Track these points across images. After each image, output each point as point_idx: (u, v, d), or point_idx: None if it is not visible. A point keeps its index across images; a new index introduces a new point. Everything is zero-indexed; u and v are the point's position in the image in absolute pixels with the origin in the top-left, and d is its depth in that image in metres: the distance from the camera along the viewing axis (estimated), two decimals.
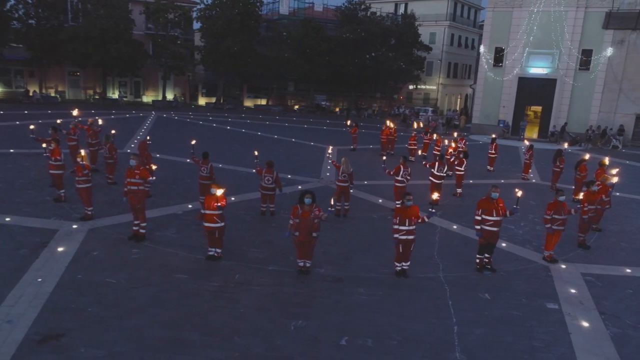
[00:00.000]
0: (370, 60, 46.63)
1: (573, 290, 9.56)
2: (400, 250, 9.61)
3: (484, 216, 10.09)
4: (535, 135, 36.30)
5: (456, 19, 59.02)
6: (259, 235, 11.73)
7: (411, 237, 9.54)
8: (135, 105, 43.56)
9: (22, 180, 15.21)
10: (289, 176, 18.45)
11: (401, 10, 57.95)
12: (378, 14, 49.70)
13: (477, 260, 10.44)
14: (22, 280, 8.47)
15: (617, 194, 17.27)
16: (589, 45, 33.77)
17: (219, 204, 9.48)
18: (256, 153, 14.04)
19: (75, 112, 17.98)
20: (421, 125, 27.85)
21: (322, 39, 45.09)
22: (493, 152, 22.16)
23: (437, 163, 15.57)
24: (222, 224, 9.80)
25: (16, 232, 10.73)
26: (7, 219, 11.47)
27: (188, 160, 13.98)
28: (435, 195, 13.66)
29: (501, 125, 36.36)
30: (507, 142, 32.97)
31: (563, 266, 10.89)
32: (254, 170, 13.71)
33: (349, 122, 28.15)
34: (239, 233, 11.69)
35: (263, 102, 50.12)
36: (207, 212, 9.66)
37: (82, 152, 11.76)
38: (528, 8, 34.41)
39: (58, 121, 16.83)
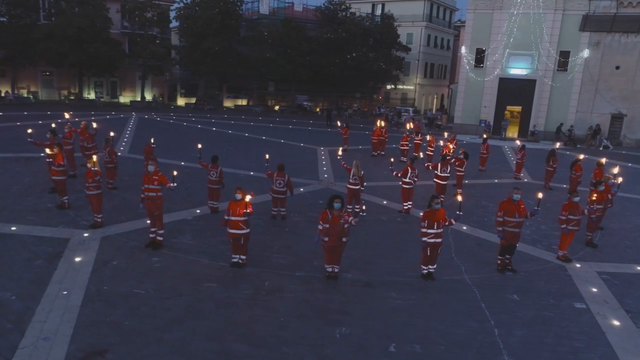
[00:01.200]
0: (351, 60, 46.79)
1: (594, 289, 9.78)
2: (428, 253, 9.64)
3: (505, 218, 10.22)
4: (515, 135, 37.08)
5: (432, 20, 59.81)
6: (276, 240, 11.58)
7: (439, 240, 9.58)
8: (113, 105, 42.44)
9: (17, 186, 14.59)
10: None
11: (378, 10, 58.33)
12: (357, 14, 49.91)
13: (499, 262, 10.57)
14: (46, 294, 8.10)
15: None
16: (566, 47, 34.71)
17: (248, 211, 9.30)
18: (267, 157, 13.86)
19: (67, 115, 17.36)
20: (411, 126, 27.99)
21: (303, 39, 44.99)
22: (485, 152, 22.54)
23: (440, 164, 15.71)
24: (248, 230, 9.63)
25: (27, 242, 10.27)
26: (13, 228, 10.98)
27: (197, 165, 13.74)
28: (459, 198, 13.03)
29: (483, 125, 36.98)
30: (489, 141, 33.49)
31: (578, 265, 11.14)
32: (265, 174, 13.49)
33: (339, 123, 28.12)
34: (256, 238, 11.45)
35: (243, 102, 49.64)
36: (233, 218, 9.47)
37: (94, 157, 11.33)
38: (508, 10, 35.11)
39: (53, 125, 16.22)
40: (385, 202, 15.84)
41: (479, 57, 37.06)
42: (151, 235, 10.56)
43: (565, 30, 34.51)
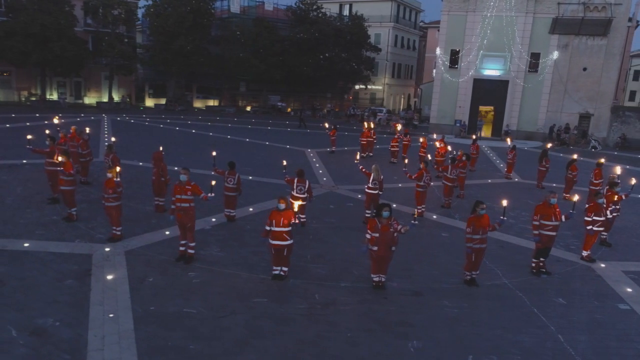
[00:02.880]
0: (324, 60, 46.69)
1: (629, 289, 10.03)
2: (473, 259, 9.59)
3: (542, 221, 10.32)
4: (489, 134, 38.03)
5: (399, 21, 60.56)
6: (306, 249, 11.24)
7: (484, 245, 9.55)
8: (78, 107, 40.54)
9: (11, 197, 13.57)
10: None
11: (345, 11, 58.49)
12: (328, 14, 49.85)
13: (533, 264, 10.67)
14: (91, 318, 7.49)
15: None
16: (537, 48, 35.88)
17: (295, 221, 8.95)
18: (284, 163, 13.47)
19: (56, 120, 16.31)
20: (399, 127, 28.10)
21: (276, 39, 44.49)
22: (474, 152, 22.88)
23: (450, 166, 15.80)
24: (292, 241, 9.27)
25: (46, 260, 9.51)
26: (26, 245, 10.15)
27: (212, 172, 13.19)
28: (504, 203, 11.24)
29: (458, 124, 37.74)
30: (465, 140, 34.22)
31: (602, 265, 11.40)
32: (284, 181, 13.09)
33: (327, 125, 27.90)
34: None
35: (214, 103, 48.52)
36: (277, 229, 9.08)
37: (118, 168, 10.62)
38: (481, 12, 35.92)
39: (47, 131, 15.17)
40: (394, 206, 15.69)
41: (454, 58, 37.75)
42: (181, 249, 10.01)
43: (536, 32, 35.66)
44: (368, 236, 9.08)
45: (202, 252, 10.49)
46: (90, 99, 43.14)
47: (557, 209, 10.44)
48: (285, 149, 26.25)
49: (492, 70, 36.91)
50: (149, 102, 46.72)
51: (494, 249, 12.20)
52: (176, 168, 18.44)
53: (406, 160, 15.80)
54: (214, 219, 12.92)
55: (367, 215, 13.50)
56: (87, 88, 43.41)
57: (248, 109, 48.02)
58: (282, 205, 9.14)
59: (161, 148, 13.55)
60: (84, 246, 10.35)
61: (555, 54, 35.42)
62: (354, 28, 48.33)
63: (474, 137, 24.38)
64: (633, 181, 13.35)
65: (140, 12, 41.91)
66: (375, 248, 9.01)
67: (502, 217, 9.64)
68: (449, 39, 37.69)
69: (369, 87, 57.91)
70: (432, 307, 8.68)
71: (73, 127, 16.53)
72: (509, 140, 23.26)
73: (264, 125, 37.12)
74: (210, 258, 10.26)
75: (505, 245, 12.47)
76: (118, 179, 10.34)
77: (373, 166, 13.46)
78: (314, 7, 47.43)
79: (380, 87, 60.02)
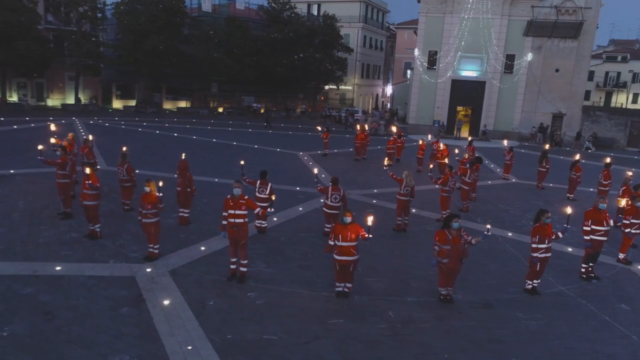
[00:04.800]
0: (298, 61, 46.14)
1: None
2: (537, 269, 9.45)
3: (593, 227, 10.34)
4: (467, 134, 38.62)
5: (368, 21, 60.77)
6: None
7: (549, 254, 9.43)
8: (42, 109, 38.16)
9: (17, 213, 12.38)
10: (298, 188, 17.53)
11: (314, 10, 58.10)
12: (301, 14, 49.33)
13: (583, 270, 10.67)
14: (169, 352, 6.79)
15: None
16: (512, 50, 36.75)
17: (370, 235, 8.49)
18: (316, 171, 12.96)
19: (53, 127, 15.09)
20: (395, 129, 27.93)
21: (250, 39, 43.55)
22: (471, 154, 23.00)
23: (469, 170, 15.74)
24: (358, 256, 8.81)
25: (89, 285, 8.63)
26: (58, 268, 9.20)
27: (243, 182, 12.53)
28: (568, 210, 10.04)
29: (437, 125, 38.13)
30: (444, 140, 34.59)
31: (639, 267, 11.59)
32: (318, 189, 12.57)
33: (319, 128, 27.43)
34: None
35: (185, 104, 46.96)
36: (343, 244, 8.60)
37: (160, 183, 9.77)
38: (459, 14, 36.42)
39: (52, 140, 13.98)
40: (414, 211, 15.50)
41: (432, 59, 38.13)
42: (232, 267, 9.35)
43: (511, 35, 36.52)
44: (437, 248, 8.75)
45: (249, 269, 9.83)
46: (53, 101, 40.71)
47: (607, 214, 10.48)
48: (276, 152, 25.64)
49: (469, 72, 37.52)
50: (117, 104, 44.59)
51: (529, 253, 12.18)
52: (175, 175, 17.71)
53: (431, 166, 15.62)
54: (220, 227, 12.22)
55: (397, 222, 13.22)
56: (49, 89, 40.93)
57: (221, 110, 46.78)
58: (348, 219, 8.68)
59: (183, 156, 12.69)
60: (122, 267, 9.50)
61: (530, 56, 36.40)
62: (326, 28, 48.04)
63: (469, 138, 24.55)
64: None
65: (107, 10, 39.62)
66: (446, 260, 8.69)
67: (565, 225, 9.54)
68: (427, 41, 38.01)
69: (341, 87, 57.81)
70: (509, 320, 8.46)
71: (70, 134, 15.37)
72: (505, 141, 23.56)
73: (244, 127, 36.24)
74: (260, 275, 9.65)
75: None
76: (160, 194, 9.54)
77: (405, 172, 13.17)
78: (287, 6, 46.76)
79: (350, 88, 60.00)
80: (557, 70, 36.58)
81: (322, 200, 16.46)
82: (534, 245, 9.36)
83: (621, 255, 11.83)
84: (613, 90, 63.86)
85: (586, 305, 9.27)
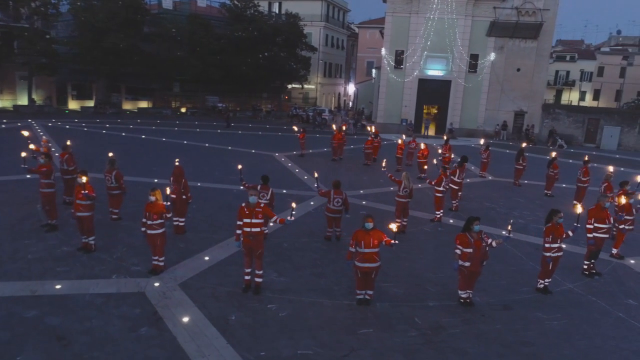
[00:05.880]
0: (263, 59, 45.49)
1: None
2: (550, 267, 9.58)
3: (596, 224, 10.61)
4: (433, 133, 39.29)
5: (329, 20, 60.74)
6: None
7: (561, 253, 9.58)
8: None
9: None
10: (284, 191, 17.15)
11: (275, 8, 57.51)
12: (263, 12, 48.66)
13: (585, 267, 10.93)
14: None
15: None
16: (476, 50, 37.64)
17: (395, 241, 8.31)
18: (316, 175, 12.66)
19: (25, 133, 14.07)
20: (372, 129, 27.88)
21: (212, 37, 42.53)
22: (447, 152, 23.33)
23: (458, 170, 15.88)
24: (380, 262, 8.62)
25: (98, 304, 8.02)
26: (58, 286, 8.51)
27: (241, 188, 12.07)
28: (579, 209, 10.24)
29: (404, 123, 38.56)
30: (408, 139, 35.00)
31: (632, 261, 12.01)
32: (319, 192, 12.28)
33: (295, 128, 27.05)
34: (338, 265, 10.42)
35: (146, 104, 45.33)
36: (366, 250, 8.40)
37: (168, 189, 9.21)
38: (424, 14, 36.93)
39: (31, 146, 12.97)
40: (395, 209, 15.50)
41: (399, 59, 38.49)
42: (247, 278, 8.95)
43: (475, 35, 37.40)
44: (458, 252, 8.70)
45: (259, 279, 9.47)
46: (4, 102, 38.25)
47: (608, 212, 10.78)
48: (251, 154, 25.09)
49: (435, 71, 38.16)
50: (74, 105, 42.42)
51: (531, 251, 12.40)
52: (155, 180, 17.08)
53: (425, 167, 15.58)
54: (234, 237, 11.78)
55: (397, 223, 13.11)
56: None
57: (183, 110, 45.47)
58: (370, 225, 8.48)
59: (177, 162, 12.10)
60: (128, 282, 8.91)
61: (492, 56, 37.39)
62: (290, 27, 47.60)
63: (445, 137, 24.87)
64: (638, 178, 14.19)
65: (61, 6, 37.61)
66: (468, 264, 8.65)
67: (575, 224, 9.71)
68: (394, 40, 38.34)
69: (305, 86, 57.54)
70: (532, 321, 8.51)
71: (44, 139, 14.38)
72: (482, 140, 24.03)
73: (211, 127, 35.36)
74: (274, 285, 9.30)
75: (540, 247, 12.63)
76: (169, 203, 9.01)
77: (403, 174, 13.11)
78: (250, 4, 45.98)
79: (313, 87, 59.83)
80: (518, 70, 37.78)
81: (312, 203, 16.36)
82: (546, 245, 9.48)
83: (614, 251, 12.23)
84: (563, 88, 66.69)
85: (597, 302, 9.48)
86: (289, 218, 8.78)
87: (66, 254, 10.00)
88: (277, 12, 55.63)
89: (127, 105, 44.78)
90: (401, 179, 12.96)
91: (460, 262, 8.70)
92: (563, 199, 18.44)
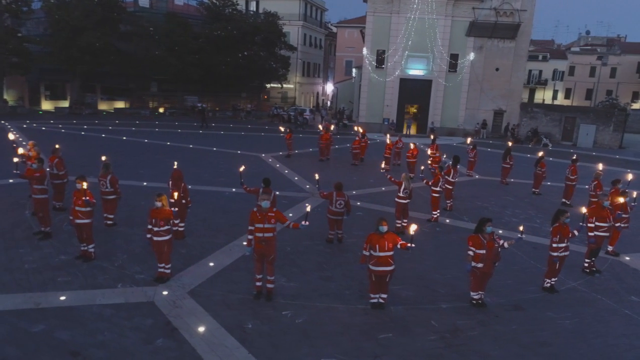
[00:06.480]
0: (243, 59, 45.02)
1: None
2: (557, 267, 9.69)
3: (597, 223, 10.80)
4: (414, 132, 39.58)
5: (307, 19, 60.55)
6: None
7: (567, 253, 9.70)
8: None
9: None
10: (277, 193, 16.72)
11: (252, 7, 57.00)
12: (241, 10, 48.14)
13: (586, 265, 11.11)
14: None
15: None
16: (456, 50, 38.05)
17: (410, 245, 8.25)
18: (317, 177, 12.50)
19: (11, 136, 13.50)
20: (359, 129, 27.73)
21: (191, 36, 41.85)
22: (434, 152, 23.49)
23: (452, 170, 15.97)
24: (395, 265, 8.56)
25: (107, 316, 7.72)
26: (62, 298, 8.16)
27: (233, 190, 11.78)
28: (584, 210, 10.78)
29: (386, 123, 38.73)
30: (394, 139, 35.20)
31: (627, 258, 12.28)
32: (321, 194, 12.14)
33: (282, 129, 26.79)
34: (346, 268, 10.32)
35: (124, 105, 44.29)
36: (381, 254, 8.32)
37: (175, 194, 8.91)
38: (405, 14, 37.14)
39: (21, 151, 12.41)
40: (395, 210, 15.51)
41: (380, 59, 38.62)
42: (258, 284, 8.76)
43: (455, 35, 37.80)
44: (471, 253, 8.71)
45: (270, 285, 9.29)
46: None
47: (608, 211, 10.98)
48: (237, 155, 24.76)
49: (416, 70, 38.41)
50: (47, 105, 41.07)
51: (530, 250, 12.54)
52: (144, 183, 16.64)
53: (422, 167, 15.62)
54: (245, 243, 11.53)
55: (397, 225, 13.09)
56: None
57: (161, 110, 44.61)
58: (385, 228, 8.40)
59: (175, 165, 11.79)
60: (135, 292, 8.60)
61: (472, 55, 37.85)
62: (269, 26, 47.24)
63: (431, 137, 25.02)
64: (629, 177, 14.52)
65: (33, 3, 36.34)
66: (481, 265, 8.67)
67: (581, 224, 9.85)
68: (375, 40, 38.43)
69: (279, 85, 57.21)
70: (544, 321, 8.59)
71: (31, 142, 13.83)
72: (468, 140, 24.25)
73: (192, 128, 34.81)
74: (285, 290, 9.13)
75: (538, 247, 12.79)
76: (176, 209, 8.73)
77: (403, 175, 13.11)
78: (229, 2, 45.43)
79: (292, 86, 59.54)
80: (497, 69, 38.35)
81: (307, 205, 16.17)
82: (554, 245, 9.58)
83: (610, 248, 12.48)
84: (536, 87, 68.13)
85: (602, 300, 9.64)
86: (303, 222, 8.62)
87: (65, 263, 9.60)
88: (254, 10, 55.17)
89: (102, 106, 43.65)
90: (401, 180, 12.95)
91: (473, 264, 8.71)
92: (550, 197, 18.81)
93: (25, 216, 12.31)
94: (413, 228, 8.29)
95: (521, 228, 9.28)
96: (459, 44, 37.94)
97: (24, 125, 29.54)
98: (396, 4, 37.37)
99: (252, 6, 57.42)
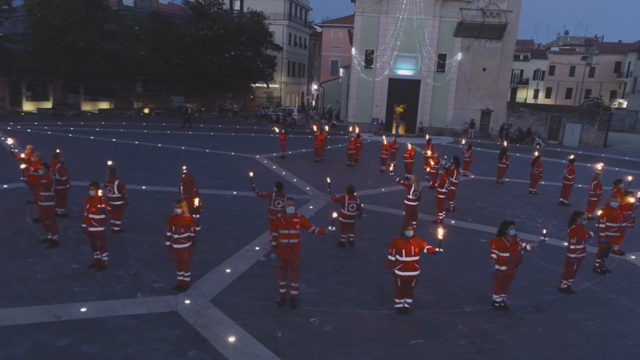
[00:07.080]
0: (229, 59, 44.60)
1: None
2: (574, 268, 9.79)
3: (607, 224, 10.95)
4: (403, 131, 39.74)
5: (292, 19, 60.35)
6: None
7: (585, 254, 9.80)
8: None
9: None
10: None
11: (237, 6, 56.54)
12: (227, 9, 47.70)
13: (597, 264, 11.25)
14: None
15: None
16: (443, 50, 38.32)
17: (430, 249, 8.21)
18: (329, 180, 12.39)
19: (10, 141, 13.06)
20: (356, 129, 27.61)
21: (176, 36, 41.27)
22: (431, 152, 23.56)
23: (455, 171, 16.03)
24: (420, 270, 8.51)
25: (132, 327, 7.49)
26: (83, 309, 7.90)
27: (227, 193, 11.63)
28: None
29: (375, 123, 38.83)
30: (390, 139, 35.30)
31: (633, 257, 12.49)
32: (332, 198, 12.03)
33: (276, 129, 26.58)
34: (363, 273, 10.25)
35: (108, 105, 43.43)
36: (407, 259, 8.27)
37: (197, 200, 8.69)
38: (394, 15, 37.24)
39: (22, 156, 11.98)
40: (402, 213, 15.51)
41: (369, 59, 38.65)
42: (282, 291, 8.63)
43: (442, 35, 38.05)
44: (494, 256, 8.73)
45: (292, 292, 9.16)
46: None
47: (619, 212, 11.14)
48: (231, 156, 24.52)
49: (405, 70, 38.56)
50: (29, 107, 40.00)
51: (538, 250, 12.54)
52: (143, 187, 16.28)
53: (427, 169, 15.62)
54: (257, 248, 11.41)
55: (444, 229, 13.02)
56: None
57: (146, 111, 43.91)
58: (410, 232, 8.36)
59: (185, 169, 11.56)
60: (156, 301, 8.38)
61: (460, 56, 38.17)
62: (255, 25, 46.92)
63: (427, 137, 25.10)
64: (629, 178, 14.77)
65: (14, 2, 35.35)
66: (504, 268, 8.70)
67: (597, 225, 9.96)
68: (364, 40, 38.43)
69: (265, 85, 56.88)
70: (568, 323, 8.65)
71: (28, 147, 13.42)
72: (463, 140, 24.42)
73: (182, 129, 34.28)
74: (307, 296, 9.01)
75: (546, 246, 12.83)
76: (198, 216, 8.53)
77: (412, 177, 13.12)
78: (215, 1, 44.94)
79: (277, 86, 59.30)
80: (484, 69, 38.76)
81: (311, 207, 16.08)
82: (572, 247, 9.67)
83: (616, 247, 12.66)
84: (518, 86, 69.18)
85: (619, 300, 9.77)
86: (330, 228, 8.51)
87: (78, 272, 9.31)
88: (239, 10, 54.72)
89: (86, 107, 42.74)
90: (410, 182, 12.94)
91: (497, 267, 8.73)
92: (547, 196, 19.07)
93: (27, 223, 11.92)
94: (441, 232, 8.26)
95: (544, 231, 9.31)
96: (447, 44, 38.21)
97: (8, 127, 28.70)
98: (384, 5, 37.45)
99: (237, 5, 57.02)
